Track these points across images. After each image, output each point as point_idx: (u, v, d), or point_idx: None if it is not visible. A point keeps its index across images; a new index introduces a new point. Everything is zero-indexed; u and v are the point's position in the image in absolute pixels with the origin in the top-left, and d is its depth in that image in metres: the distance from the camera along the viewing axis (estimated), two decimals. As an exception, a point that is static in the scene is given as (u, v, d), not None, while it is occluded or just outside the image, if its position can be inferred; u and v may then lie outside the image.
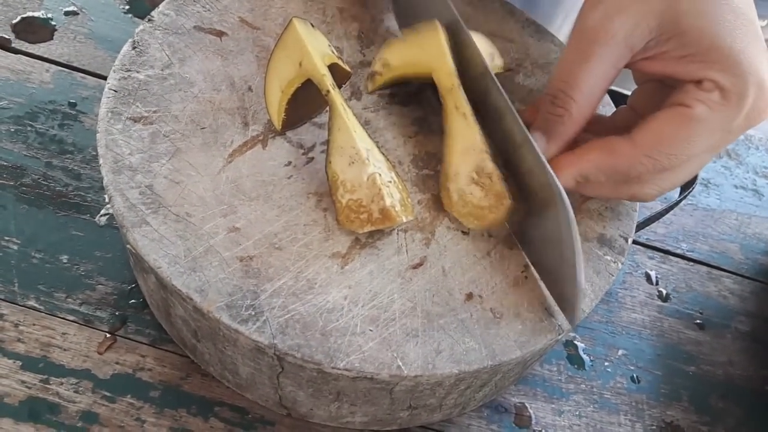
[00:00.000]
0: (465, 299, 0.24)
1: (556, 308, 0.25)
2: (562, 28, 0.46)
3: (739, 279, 0.36)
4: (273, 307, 0.23)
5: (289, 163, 0.27)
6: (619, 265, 0.27)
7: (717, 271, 0.36)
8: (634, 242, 0.36)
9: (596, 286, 0.26)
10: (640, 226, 0.32)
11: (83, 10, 0.39)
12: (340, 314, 0.23)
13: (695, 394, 0.32)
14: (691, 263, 0.36)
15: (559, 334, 0.24)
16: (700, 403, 0.31)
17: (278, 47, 0.27)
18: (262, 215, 0.25)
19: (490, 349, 0.23)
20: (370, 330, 0.23)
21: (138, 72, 0.28)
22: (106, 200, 0.32)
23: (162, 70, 0.28)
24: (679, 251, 0.37)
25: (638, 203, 0.29)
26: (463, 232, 0.26)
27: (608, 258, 0.27)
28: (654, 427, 0.30)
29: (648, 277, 0.35)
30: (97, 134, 0.26)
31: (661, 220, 0.37)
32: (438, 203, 0.27)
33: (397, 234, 0.26)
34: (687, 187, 0.33)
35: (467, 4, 0.34)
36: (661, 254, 0.36)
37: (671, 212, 0.37)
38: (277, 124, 0.27)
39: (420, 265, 0.25)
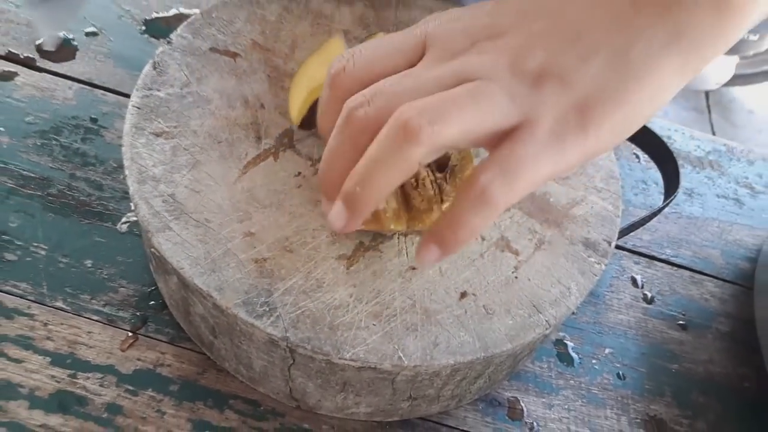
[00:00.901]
0: (460, 297, 0.27)
1: (543, 305, 0.27)
2: None
3: (721, 283, 0.39)
4: (285, 303, 0.25)
5: (299, 173, 0.29)
6: (603, 266, 0.29)
7: (699, 276, 0.39)
8: (621, 248, 0.38)
9: (581, 285, 0.28)
10: (624, 231, 0.34)
11: (103, 31, 0.42)
12: (346, 310, 0.25)
13: (678, 390, 0.34)
14: (675, 268, 0.38)
15: (547, 329, 0.26)
16: (682, 399, 0.33)
17: (316, 54, 0.30)
18: (275, 221, 0.27)
19: (482, 342, 0.26)
20: (374, 324, 0.25)
21: (159, 90, 0.31)
22: (131, 208, 0.34)
23: (181, 88, 0.31)
24: (663, 257, 0.39)
25: (620, 209, 0.31)
26: (458, 236, 0.28)
27: (592, 260, 0.29)
28: (638, 420, 0.32)
29: (634, 281, 0.37)
30: (123, 148, 0.29)
31: (646, 227, 0.39)
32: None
33: (398, 238, 0.28)
34: (669, 195, 0.36)
35: None
36: (647, 259, 0.38)
37: (655, 220, 0.39)
38: (296, 120, 0.29)
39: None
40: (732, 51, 1.60)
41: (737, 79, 1.60)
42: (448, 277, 0.27)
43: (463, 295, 0.27)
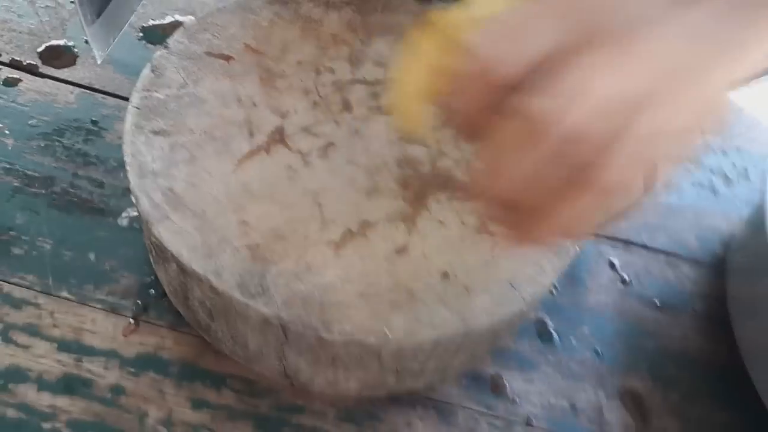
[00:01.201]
0: (441, 277, 0.29)
1: (519, 283, 0.29)
2: None
3: (696, 265, 0.40)
4: (277, 285, 0.27)
5: (290, 167, 0.31)
6: (577, 248, 0.31)
7: (675, 259, 0.40)
8: (599, 234, 0.40)
9: (555, 265, 0.30)
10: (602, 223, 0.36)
11: (101, 39, 0.44)
12: (335, 291, 0.27)
13: (653, 365, 0.35)
14: (652, 252, 0.40)
15: (523, 306, 0.28)
16: (657, 372, 0.35)
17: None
18: (267, 211, 0.29)
19: (462, 318, 0.27)
20: (361, 303, 0.27)
21: (157, 92, 0.33)
22: (132, 201, 0.36)
23: (178, 89, 0.33)
24: (640, 242, 0.41)
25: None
26: (440, 221, 0.30)
27: (567, 243, 0.31)
28: (615, 393, 0.34)
29: (611, 265, 0.39)
30: (123, 145, 0.30)
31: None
32: (421, 198, 0.31)
33: (384, 223, 0.30)
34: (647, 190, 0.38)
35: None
36: (624, 244, 0.40)
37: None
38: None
39: (403, 250, 0.29)
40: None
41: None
42: (430, 260, 0.29)
43: (445, 275, 0.29)
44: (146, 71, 0.34)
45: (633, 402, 0.34)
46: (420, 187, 0.31)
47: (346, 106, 0.34)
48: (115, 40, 0.34)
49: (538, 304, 0.35)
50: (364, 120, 0.34)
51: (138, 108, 0.32)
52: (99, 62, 0.27)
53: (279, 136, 0.32)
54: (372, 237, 0.29)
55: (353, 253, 0.29)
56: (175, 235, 0.28)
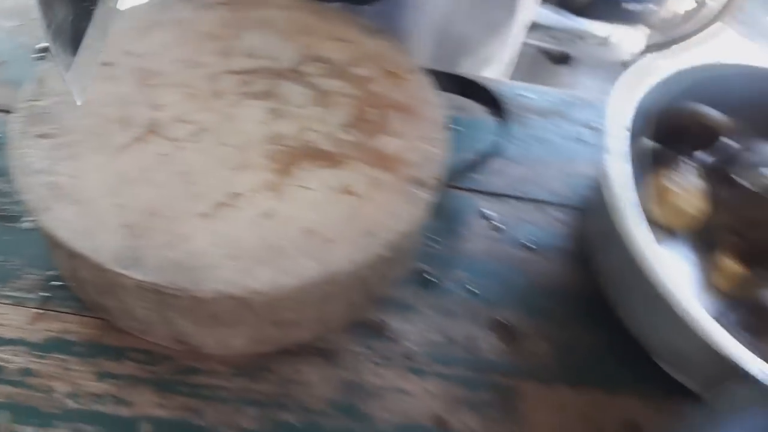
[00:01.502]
0: (306, 234, 0.32)
1: (379, 232, 0.32)
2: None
3: (564, 209, 0.45)
4: (150, 255, 0.30)
5: (163, 153, 0.34)
6: (431, 197, 0.35)
7: (545, 205, 0.45)
8: (471, 189, 0.44)
9: (413, 215, 0.34)
10: (461, 171, 0.40)
11: (5, 62, 0.47)
12: (205, 255, 0.30)
13: (524, 298, 0.39)
14: (523, 201, 0.45)
15: (383, 251, 0.32)
16: (528, 305, 0.39)
17: None
18: (142, 193, 0.32)
19: (324, 266, 0.31)
20: (230, 263, 0.30)
21: (41, 100, 0.36)
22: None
23: (60, 96, 0.36)
24: (512, 193, 0.45)
25: (447, 152, 0.37)
26: (305, 186, 0.34)
27: (421, 194, 0.35)
28: (488, 325, 0.38)
29: (484, 215, 0.43)
30: (8, 150, 0.33)
31: (494, 170, 0.45)
32: (288, 168, 0.34)
33: (252, 193, 0.33)
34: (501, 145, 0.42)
35: (312, 13, 0.43)
36: (497, 197, 0.44)
37: (505, 164, 0.45)
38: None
39: (270, 214, 0.33)
40: (639, 22, 1.70)
41: (651, 48, 1.70)
42: (295, 219, 0.33)
43: (309, 231, 0.32)
44: (30, 82, 0.37)
45: (505, 331, 0.38)
46: (287, 159, 0.35)
47: (218, 95, 0.37)
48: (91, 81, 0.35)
49: (410, 253, 0.39)
50: (234, 105, 0.37)
51: (23, 116, 0.35)
52: (79, 104, 0.29)
53: (154, 128, 0.35)
54: (240, 205, 0.33)
55: (222, 222, 0.32)
56: (59, 222, 0.31)
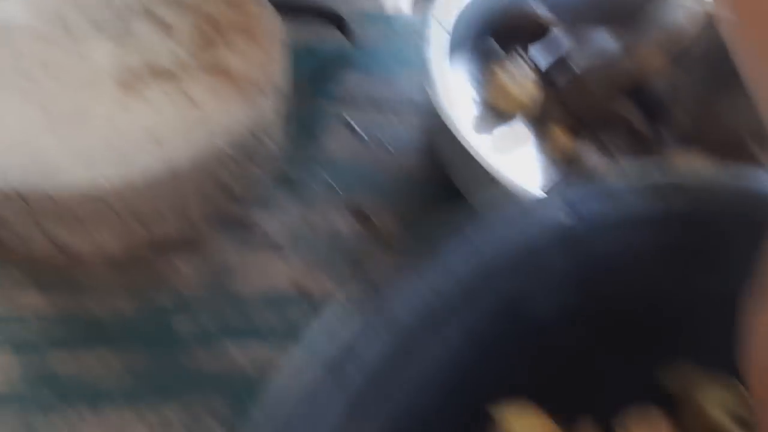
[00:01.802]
0: (151, 137, 0.36)
1: (218, 132, 0.37)
2: None
3: (419, 113, 0.49)
4: (9, 166, 0.34)
5: (21, 87, 0.38)
6: (274, 103, 0.39)
7: (403, 113, 0.49)
8: (335, 99, 0.49)
9: (252, 117, 0.38)
10: (316, 83, 0.45)
11: None
12: (59, 162, 0.35)
13: (381, 189, 0.44)
14: (381, 110, 0.49)
15: (222, 150, 0.36)
16: (384, 194, 0.44)
17: None
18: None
19: (167, 161, 0.35)
20: (81, 166, 0.35)
21: None
22: None
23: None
24: (369, 102, 0.49)
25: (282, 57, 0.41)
26: (146, 99, 0.38)
27: (262, 99, 0.39)
28: (347, 212, 0.42)
29: (347, 124, 0.48)
30: None
31: (353, 83, 0.49)
32: (135, 88, 0.39)
33: (98, 107, 0.37)
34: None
35: None
36: (355, 105, 0.49)
37: (363, 78, 0.50)
38: None
39: (116, 124, 0.37)
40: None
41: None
42: (138, 126, 0.37)
43: (151, 134, 0.36)
44: None
45: (363, 216, 0.42)
46: (132, 80, 0.39)
47: (69, 32, 0.41)
48: None
49: (264, 154, 0.43)
50: (83, 43, 0.41)
51: None
52: None
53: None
54: (88, 120, 0.37)
55: (72, 134, 0.36)
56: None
